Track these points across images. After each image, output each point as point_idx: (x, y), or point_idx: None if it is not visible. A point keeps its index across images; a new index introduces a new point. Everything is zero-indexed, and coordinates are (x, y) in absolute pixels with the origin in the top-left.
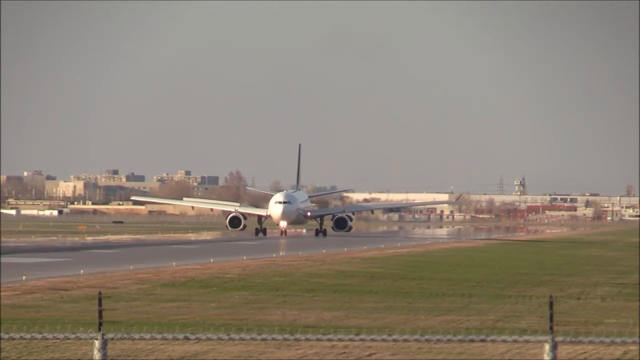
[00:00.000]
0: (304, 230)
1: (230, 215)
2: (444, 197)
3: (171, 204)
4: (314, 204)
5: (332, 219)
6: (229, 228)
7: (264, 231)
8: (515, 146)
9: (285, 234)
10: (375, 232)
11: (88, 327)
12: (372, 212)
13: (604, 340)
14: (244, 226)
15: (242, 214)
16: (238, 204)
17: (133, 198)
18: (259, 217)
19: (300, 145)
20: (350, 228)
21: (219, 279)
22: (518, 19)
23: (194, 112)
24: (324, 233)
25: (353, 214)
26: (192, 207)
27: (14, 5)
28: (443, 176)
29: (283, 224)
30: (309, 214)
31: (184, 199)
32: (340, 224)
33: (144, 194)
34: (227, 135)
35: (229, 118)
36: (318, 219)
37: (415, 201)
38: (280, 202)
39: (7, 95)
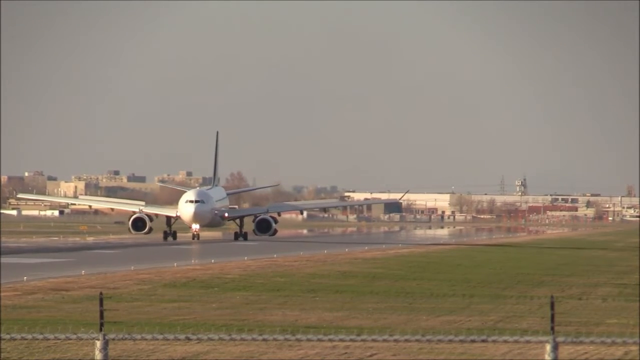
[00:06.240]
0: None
1: (134, 217)
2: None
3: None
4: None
5: (253, 221)
6: (132, 231)
7: (174, 234)
8: (516, 146)
9: (198, 238)
10: (306, 236)
11: (89, 328)
12: (301, 213)
13: (605, 341)
14: (150, 229)
15: (148, 214)
16: (143, 203)
17: (19, 196)
18: (168, 218)
19: (217, 132)
20: (275, 231)
21: (220, 280)
22: (518, 19)
23: (194, 113)
24: (245, 237)
25: (279, 214)
26: (90, 207)
27: (14, 6)
28: (444, 176)
29: (195, 226)
30: (226, 214)
31: (79, 196)
32: (263, 226)
33: (145, 195)
34: (228, 135)
35: (230, 118)
36: (238, 220)
37: (361, 200)
38: (191, 201)
39: (7, 95)
